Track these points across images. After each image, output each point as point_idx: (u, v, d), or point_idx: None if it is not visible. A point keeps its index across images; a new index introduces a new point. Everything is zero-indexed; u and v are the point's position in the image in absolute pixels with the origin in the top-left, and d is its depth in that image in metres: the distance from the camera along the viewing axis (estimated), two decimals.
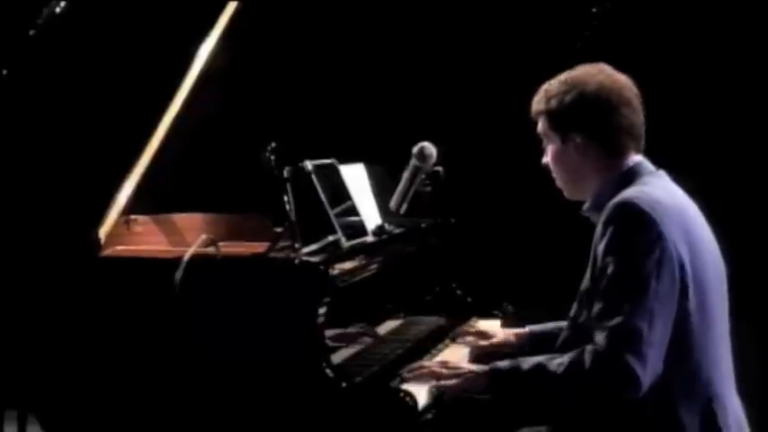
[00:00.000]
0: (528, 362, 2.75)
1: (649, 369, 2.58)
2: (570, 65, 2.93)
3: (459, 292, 3.89)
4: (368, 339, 3.32)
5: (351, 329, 3.23)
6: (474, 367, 2.90)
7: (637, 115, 2.85)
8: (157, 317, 3.00)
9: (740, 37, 4.96)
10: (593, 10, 5.13)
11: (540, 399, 2.76)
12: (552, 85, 2.89)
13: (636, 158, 2.84)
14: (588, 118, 2.82)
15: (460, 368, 2.91)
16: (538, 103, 2.92)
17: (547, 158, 2.94)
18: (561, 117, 2.85)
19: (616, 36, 4.91)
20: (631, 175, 2.81)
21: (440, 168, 3.61)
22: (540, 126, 2.92)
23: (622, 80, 2.86)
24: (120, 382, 3.04)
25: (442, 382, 2.88)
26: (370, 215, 3.57)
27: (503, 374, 2.77)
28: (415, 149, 3.55)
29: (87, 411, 3.09)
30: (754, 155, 4.95)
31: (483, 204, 5.08)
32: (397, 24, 5.32)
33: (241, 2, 3.55)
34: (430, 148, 3.55)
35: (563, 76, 2.89)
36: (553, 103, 2.86)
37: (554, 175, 2.93)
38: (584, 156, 2.84)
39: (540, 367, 2.71)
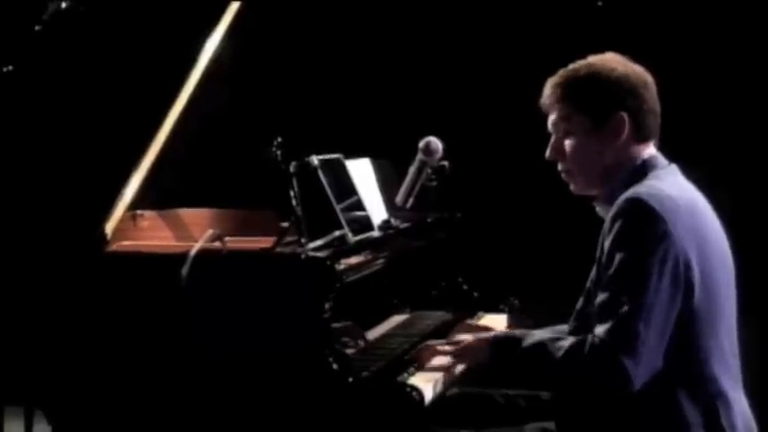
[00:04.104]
0: (531, 338, 2.79)
1: (642, 367, 2.59)
2: (575, 59, 2.92)
3: (465, 286, 3.89)
4: (355, 339, 3.29)
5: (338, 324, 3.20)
6: (479, 336, 2.98)
7: (657, 98, 2.84)
8: (164, 312, 3.00)
9: (739, 29, 4.96)
10: (599, 3, 5.13)
11: (537, 376, 2.82)
12: (573, 71, 2.83)
13: (651, 151, 2.83)
14: (631, 97, 2.78)
15: (463, 340, 2.98)
16: (555, 90, 2.84)
17: (553, 151, 2.88)
18: (601, 98, 2.78)
19: (620, 29, 4.91)
20: (645, 169, 2.79)
21: (446, 163, 3.61)
22: (559, 113, 2.84)
23: (639, 67, 2.85)
24: (127, 378, 3.04)
25: (450, 358, 2.95)
26: (377, 210, 3.57)
27: (504, 345, 2.83)
28: (420, 144, 3.56)
29: (94, 407, 3.10)
30: (761, 149, 4.95)
31: (489, 199, 5.09)
32: (402, 19, 5.33)
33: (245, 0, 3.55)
34: (436, 142, 3.55)
35: (583, 63, 2.84)
36: (586, 85, 2.79)
37: (568, 166, 2.87)
38: (615, 140, 2.78)
39: (541, 346, 2.74)
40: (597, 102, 2.80)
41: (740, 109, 4.97)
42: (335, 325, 3.01)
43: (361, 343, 3.22)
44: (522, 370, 2.83)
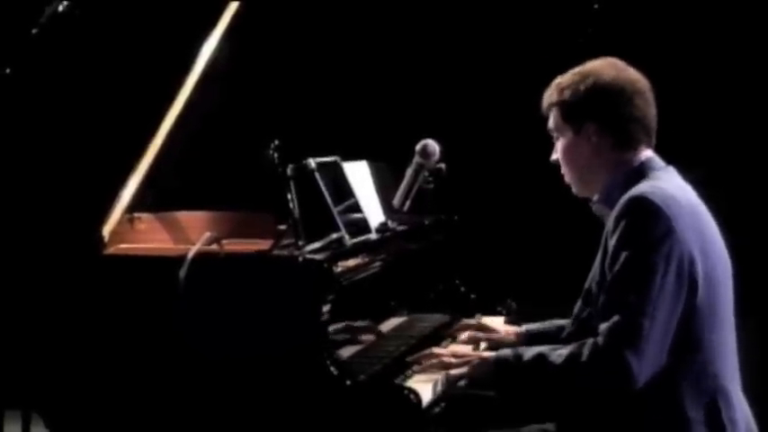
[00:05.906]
0: (531, 351, 2.78)
1: (645, 365, 2.59)
2: (572, 62, 2.93)
3: (462, 289, 3.89)
4: (370, 337, 3.32)
5: (354, 324, 3.22)
6: (482, 354, 2.95)
7: (650, 108, 2.84)
8: (161, 315, 3.00)
9: (741, 32, 4.96)
10: (595, 6, 5.14)
11: (540, 388, 2.80)
12: (564, 77, 2.87)
13: (647, 153, 2.84)
14: (602, 107, 2.80)
15: (469, 356, 2.95)
16: (550, 96, 2.89)
17: (556, 154, 2.92)
18: (575, 107, 2.83)
19: (618, 32, 4.91)
20: (643, 170, 2.80)
21: (443, 165, 3.61)
22: (552, 120, 2.90)
23: (635, 73, 2.85)
24: (125, 381, 3.04)
25: (451, 371, 2.91)
26: (374, 212, 3.57)
27: (506, 362, 2.80)
28: (417, 147, 3.56)
29: (92, 410, 3.09)
30: (757, 151, 4.95)
31: (486, 201, 5.09)
32: (400, 21, 5.33)
33: (243, 1, 3.54)
34: (433, 145, 3.55)
35: (575, 69, 2.88)
36: (566, 94, 2.84)
37: (564, 170, 2.91)
38: (596, 147, 2.82)
39: (540, 357, 2.74)
40: (575, 110, 2.84)
41: (736, 110, 4.97)
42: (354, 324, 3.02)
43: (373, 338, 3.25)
44: (526, 386, 2.81)
